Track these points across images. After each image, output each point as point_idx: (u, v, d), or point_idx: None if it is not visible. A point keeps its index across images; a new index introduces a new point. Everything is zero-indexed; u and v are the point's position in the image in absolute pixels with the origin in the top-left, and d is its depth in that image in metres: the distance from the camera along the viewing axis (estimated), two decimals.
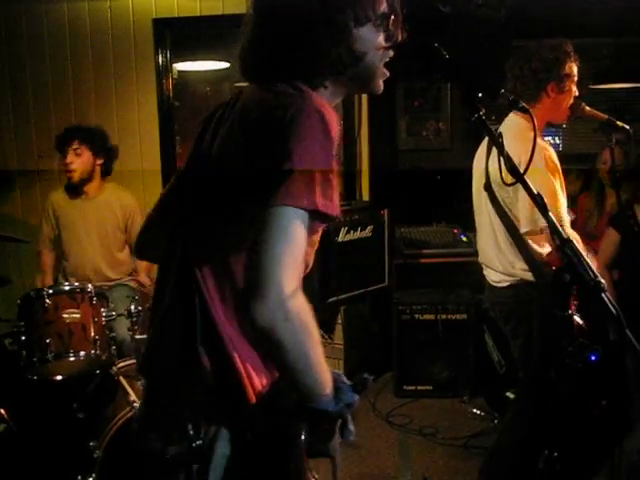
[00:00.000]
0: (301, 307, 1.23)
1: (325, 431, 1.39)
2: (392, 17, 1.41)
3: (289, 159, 1.21)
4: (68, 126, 3.86)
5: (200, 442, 1.34)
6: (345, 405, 1.34)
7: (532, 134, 2.60)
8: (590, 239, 3.78)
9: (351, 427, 1.41)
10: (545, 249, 2.65)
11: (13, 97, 4.75)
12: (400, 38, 1.45)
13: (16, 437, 3.00)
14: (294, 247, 1.21)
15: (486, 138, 2.79)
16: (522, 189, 1.41)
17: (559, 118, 2.78)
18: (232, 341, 1.32)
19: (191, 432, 1.34)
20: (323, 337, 4.27)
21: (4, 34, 4.69)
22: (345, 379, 1.36)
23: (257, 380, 1.34)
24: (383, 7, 1.40)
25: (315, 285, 3.99)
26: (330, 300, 4.07)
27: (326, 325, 4.28)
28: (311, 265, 1.47)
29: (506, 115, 2.78)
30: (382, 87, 1.49)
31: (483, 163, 2.78)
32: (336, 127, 1.27)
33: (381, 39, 1.42)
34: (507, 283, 2.76)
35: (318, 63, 1.36)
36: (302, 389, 1.30)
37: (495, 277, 2.82)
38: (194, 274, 1.35)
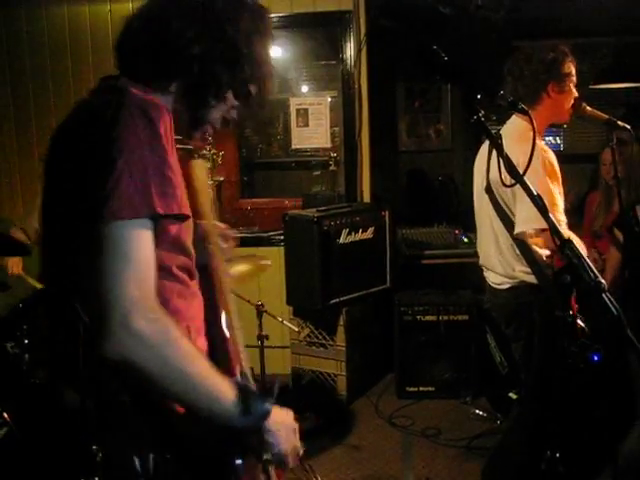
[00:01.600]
0: (164, 331, 1.11)
1: (253, 446, 1.26)
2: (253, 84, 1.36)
3: (114, 167, 1.10)
4: None
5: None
6: (258, 416, 1.22)
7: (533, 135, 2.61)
8: (596, 238, 3.79)
9: (271, 440, 1.24)
10: (545, 250, 2.66)
11: (14, 100, 4.76)
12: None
13: (18, 440, 3.00)
14: (135, 264, 1.10)
15: (487, 140, 2.80)
16: (520, 191, 1.41)
17: (562, 118, 2.79)
18: None
19: (138, 469, 1.21)
20: (325, 339, 4.27)
21: (5, 38, 4.70)
22: (252, 386, 1.26)
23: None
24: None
25: (317, 287, 3.99)
26: (332, 302, 4.06)
27: (328, 327, 4.27)
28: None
29: (508, 116, 2.79)
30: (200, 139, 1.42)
31: (484, 165, 2.79)
32: (164, 120, 1.18)
33: (231, 101, 1.37)
34: (508, 285, 2.76)
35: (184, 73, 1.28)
36: (200, 413, 1.19)
37: (496, 279, 2.82)
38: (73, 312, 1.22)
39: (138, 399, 1.21)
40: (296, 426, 1.35)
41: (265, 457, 1.28)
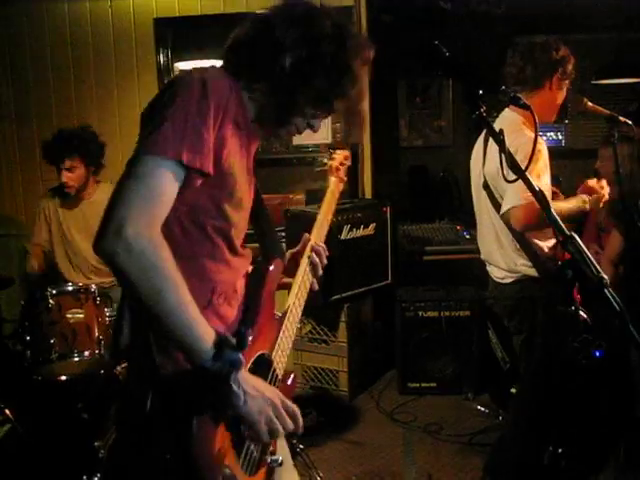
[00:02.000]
0: (149, 247, 1.22)
1: (220, 394, 1.30)
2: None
3: (164, 113, 1.30)
4: (56, 135, 3.59)
5: None
6: (228, 363, 1.27)
7: (526, 128, 2.61)
8: (601, 232, 3.79)
9: (237, 390, 1.29)
10: (549, 242, 2.66)
11: (15, 97, 4.75)
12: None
13: (21, 437, 3.00)
14: (146, 192, 1.24)
15: (481, 137, 2.82)
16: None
17: (549, 116, 2.80)
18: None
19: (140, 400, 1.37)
20: (327, 335, 4.28)
21: (5, 34, 4.69)
22: (232, 340, 1.30)
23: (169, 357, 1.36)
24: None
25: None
26: (333, 298, 4.06)
27: (330, 323, 4.27)
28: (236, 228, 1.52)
29: (501, 110, 2.79)
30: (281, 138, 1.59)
31: (480, 162, 2.79)
32: (219, 94, 1.36)
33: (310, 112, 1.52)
34: (511, 279, 2.76)
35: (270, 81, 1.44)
36: (172, 339, 1.28)
37: (499, 274, 2.82)
38: None
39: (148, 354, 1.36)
40: (279, 404, 1.36)
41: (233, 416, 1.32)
